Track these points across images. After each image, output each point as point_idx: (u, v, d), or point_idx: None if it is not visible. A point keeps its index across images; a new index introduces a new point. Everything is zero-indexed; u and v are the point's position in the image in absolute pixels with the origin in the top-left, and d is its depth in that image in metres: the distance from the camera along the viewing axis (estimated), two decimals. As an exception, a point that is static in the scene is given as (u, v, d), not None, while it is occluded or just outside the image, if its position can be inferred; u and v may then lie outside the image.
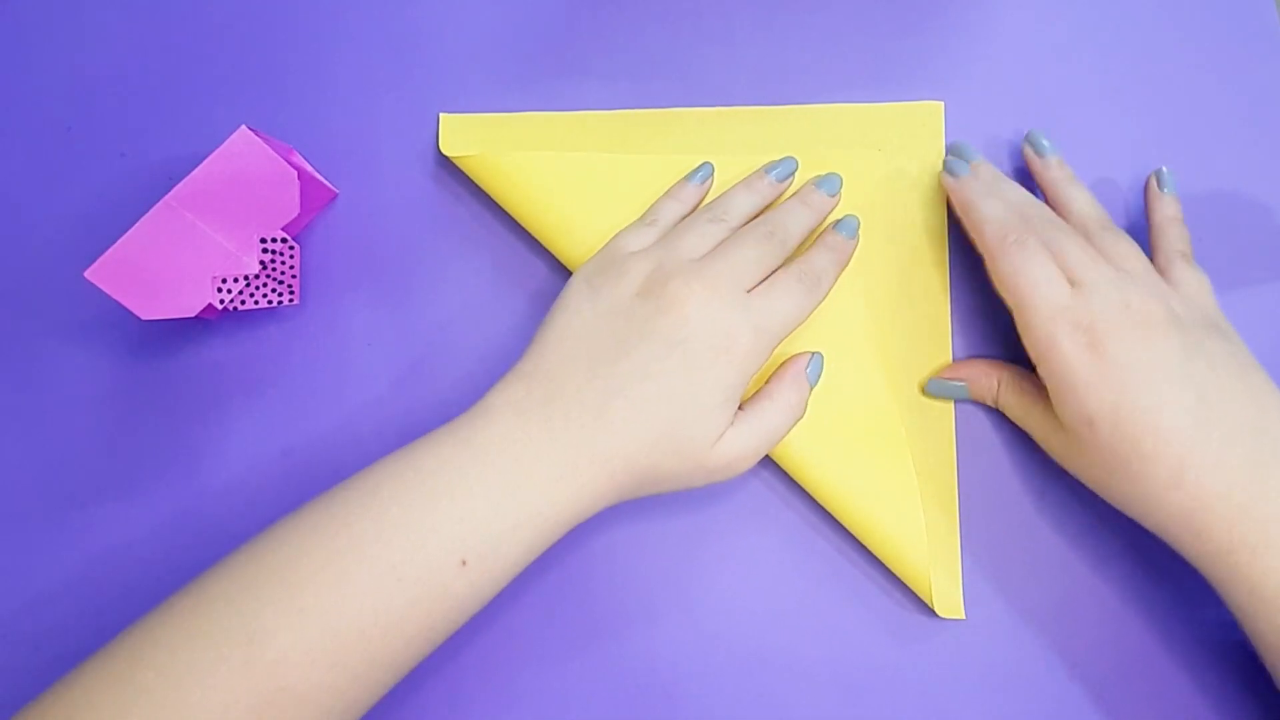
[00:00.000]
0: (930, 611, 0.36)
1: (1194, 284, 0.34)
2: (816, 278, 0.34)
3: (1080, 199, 0.36)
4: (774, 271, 0.34)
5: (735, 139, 0.40)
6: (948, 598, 0.36)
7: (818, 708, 0.35)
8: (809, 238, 0.37)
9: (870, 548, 0.36)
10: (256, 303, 0.36)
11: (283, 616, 0.27)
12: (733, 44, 0.41)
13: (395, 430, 0.37)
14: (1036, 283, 0.32)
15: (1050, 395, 0.32)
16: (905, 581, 0.36)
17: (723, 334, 0.31)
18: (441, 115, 0.40)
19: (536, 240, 0.39)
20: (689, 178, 0.38)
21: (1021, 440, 0.37)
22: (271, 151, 0.35)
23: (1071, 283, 0.32)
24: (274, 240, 0.35)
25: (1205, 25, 0.42)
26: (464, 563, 0.29)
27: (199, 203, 0.34)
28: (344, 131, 0.40)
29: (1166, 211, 0.37)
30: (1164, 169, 0.38)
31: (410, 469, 0.30)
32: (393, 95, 0.41)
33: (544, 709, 0.35)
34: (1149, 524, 0.32)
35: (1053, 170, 0.38)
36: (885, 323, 0.38)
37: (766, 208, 0.37)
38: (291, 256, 0.36)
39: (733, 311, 0.32)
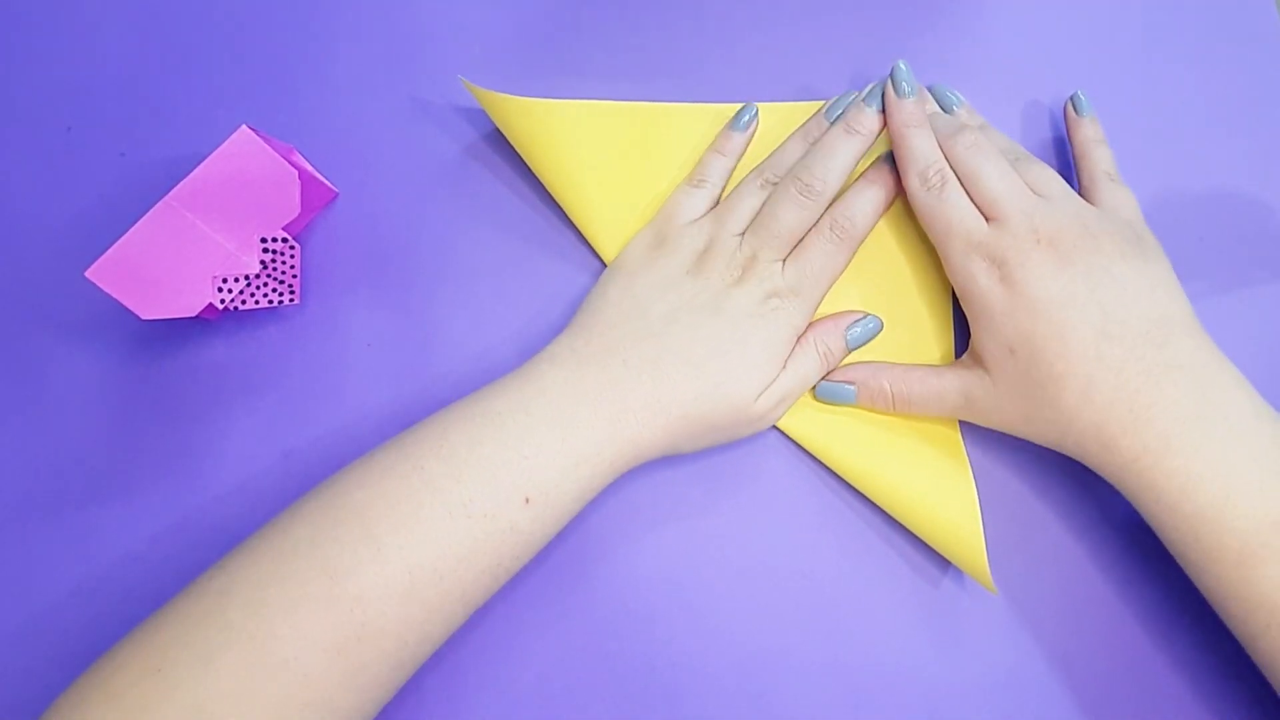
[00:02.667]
0: (928, 612, 0.36)
1: (1119, 202, 0.36)
2: (851, 225, 0.36)
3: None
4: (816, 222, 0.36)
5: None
6: (981, 571, 0.35)
7: (817, 707, 0.35)
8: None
9: (910, 524, 0.36)
10: (257, 303, 0.36)
11: (362, 554, 0.29)
12: (733, 44, 0.41)
13: (395, 430, 0.37)
14: (950, 222, 0.35)
15: (972, 328, 0.35)
16: (951, 559, 0.36)
17: (763, 304, 0.35)
18: (464, 81, 0.39)
19: (537, 240, 0.39)
20: (732, 125, 0.39)
21: (1021, 441, 0.37)
22: (272, 151, 0.35)
23: (987, 217, 0.34)
24: (274, 240, 0.35)
25: (1205, 25, 0.42)
26: (528, 500, 0.31)
27: (199, 202, 0.34)
28: (344, 131, 0.40)
29: (1087, 133, 0.39)
30: (1079, 93, 0.40)
31: (479, 412, 0.32)
32: (393, 95, 0.41)
33: (543, 709, 0.35)
34: (1067, 447, 0.33)
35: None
36: (886, 318, 0.38)
37: None
38: (292, 256, 0.36)
39: (770, 279, 0.35)
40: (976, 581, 0.35)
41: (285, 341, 0.38)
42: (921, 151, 0.36)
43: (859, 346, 0.37)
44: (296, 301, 0.37)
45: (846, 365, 0.37)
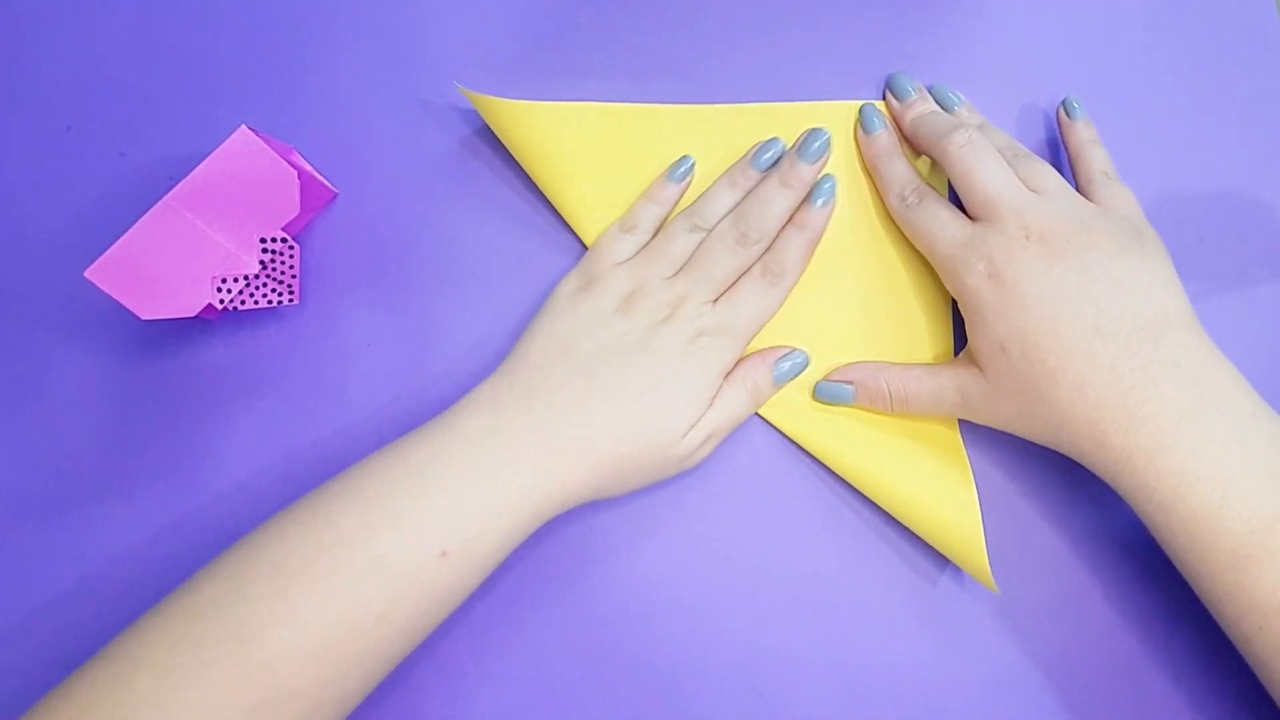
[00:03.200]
0: (927, 611, 0.36)
1: (1118, 198, 0.36)
2: (782, 271, 0.37)
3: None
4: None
5: (738, 135, 0.40)
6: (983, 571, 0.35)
7: (817, 707, 0.35)
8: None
9: (910, 523, 0.36)
10: (256, 303, 0.36)
11: (273, 614, 0.28)
12: (733, 43, 0.41)
13: (395, 430, 0.37)
14: (934, 232, 0.36)
15: (968, 330, 0.35)
16: (953, 558, 0.36)
17: (692, 342, 0.34)
18: (460, 87, 0.39)
19: (536, 239, 0.39)
20: (668, 175, 0.39)
21: (1021, 441, 0.37)
22: (271, 151, 0.35)
23: (980, 216, 0.35)
24: (274, 240, 0.35)
25: (1205, 25, 0.42)
26: (445, 553, 0.30)
27: (199, 202, 0.34)
28: (344, 131, 0.40)
29: (1081, 136, 0.39)
30: (1070, 97, 0.40)
31: (394, 463, 0.31)
32: (393, 95, 0.41)
33: (544, 709, 0.35)
34: (1062, 444, 0.33)
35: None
36: (886, 318, 0.38)
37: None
38: (291, 256, 0.36)
39: (700, 318, 0.35)
40: (977, 581, 0.35)
41: (285, 341, 0.38)
42: (897, 176, 0.38)
43: (786, 382, 0.37)
44: (296, 301, 0.37)
45: (846, 366, 0.37)
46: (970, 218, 0.35)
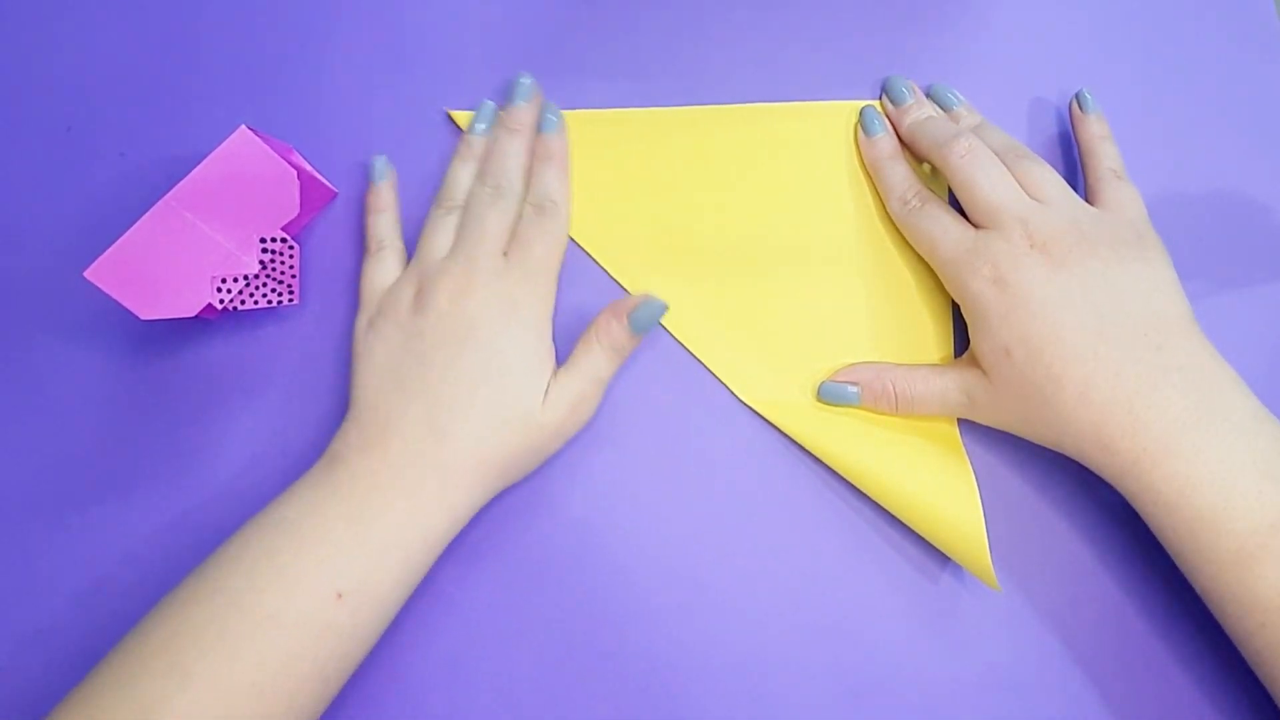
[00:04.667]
0: (929, 610, 0.36)
1: (1123, 199, 0.36)
2: (551, 201, 0.37)
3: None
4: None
5: (736, 136, 0.40)
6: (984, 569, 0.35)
7: (817, 706, 0.35)
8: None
9: (911, 522, 0.36)
10: (256, 302, 0.36)
11: (171, 685, 0.28)
12: (732, 43, 0.41)
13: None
14: (935, 236, 0.36)
15: (970, 333, 0.35)
16: (955, 557, 0.35)
17: (501, 304, 0.34)
18: (449, 111, 0.40)
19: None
20: (374, 180, 0.39)
21: (1021, 439, 0.37)
22: (271, 151, 0.35)
23: (982, 225, 0.35)
24: (274, 240, 0.35)
25: (1205, 25, 0.42)
26: (340, 595, 0.30)
27: (199, 202, 0.34)
28: (344, 131, 0.40)
29: (1093, 130, 0.39)
30: (1084, 91, 0.40)
31: (272, 521, 0.31)
32: (393, 95, 0.41)
33: (543, 709, 0.35)
34: (1066, 447, 0.33)
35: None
36: (888, 318, 0.38)
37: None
38: (291, 256, 0.36)
39: (498, 281, 0.34)
40: (980, 579, 0.35)
41: (285, 341, 0.38)
42: (897, 181, 0.38)
43: (646, 330, 0.35)
44: (296, 301, 0.37)
45: (850, 367, 0.37)
46: (972, 224, 0.35)
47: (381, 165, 0.38)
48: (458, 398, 0.33)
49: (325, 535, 0.31)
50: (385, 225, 0.38)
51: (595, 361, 0.35)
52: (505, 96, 0.39)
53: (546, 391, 0.34)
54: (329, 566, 0.30)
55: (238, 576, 0.30)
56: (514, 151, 0.38)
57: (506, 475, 0.34)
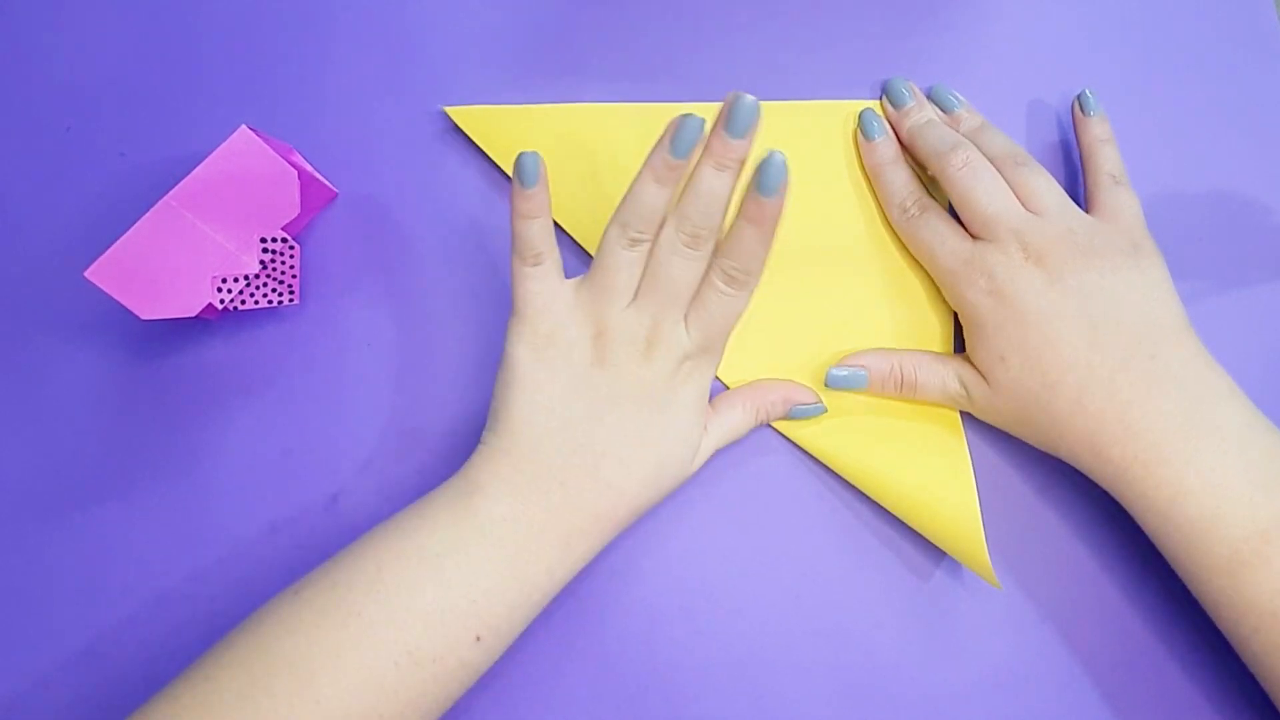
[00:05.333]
0: (929, 610, 0.36)
1: (1120, 206, 0.36)
2: (745, 275, 0.33)
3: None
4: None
5: None
6: (982, 567, 0.35)
7: (817, 706, 0.35)
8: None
9: (909, 519, 0.36)
10: (256, 303, 0.36)
11: (299, 709, 0.28)
12: (732, 43, 0.41)
13: (395, 431, 0.37)
14: (934, 246, 0.36)
15: (966, 342, 0.36)
16: (955, 555, 0.36)
17: (678, 371, 0.33)
18: (446, 109, 0.40)
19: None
20: (521, 184, 0.32)
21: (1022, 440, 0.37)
22: (271, 151, 0.35)
23: (979, 236, 0.35)
24: (274, 240, 0.35)
25: (1205, 25, 0.42)
26: (479, 638, 0.30)
27: (199, 202, 0.34)
28: (344, 131, 0.40)
29: (1094, 133, 0.39)
30: (1087, 91, 0.39)
31: (413, 551, 0.30)
32: (392, 95, 0.41)
33: (543, 709, 0.35)
34: (1062, 453, 0.34)
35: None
36: (888, 318, 0.38)
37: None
38: (291, 256, 0.36)
39: (679, 345, 0.33)
40: (979, 577, 0.36)
41: (285, 341, 0.38)
42: (897, 187, 0.38)
43: (805, 415, 0.37)
44: (296, 301, 0.37)
45: (857, 353, 0.37)
46: (970, 233, 0.36)
47: (533, 165, 0.32)
48: (626, 455, 0.32)
49: (472, 579, 0.30)
50: (541, 233, 0.33)
51: (739, 423, 0.36)
52: (725, 117, 0.31)
53: (698, 451, 0.34)
54: (474, 610, 0.30)
55: (375, 606, 0.29)
56: (721, 194, 0.32)
57: (633, 520, 0.34)
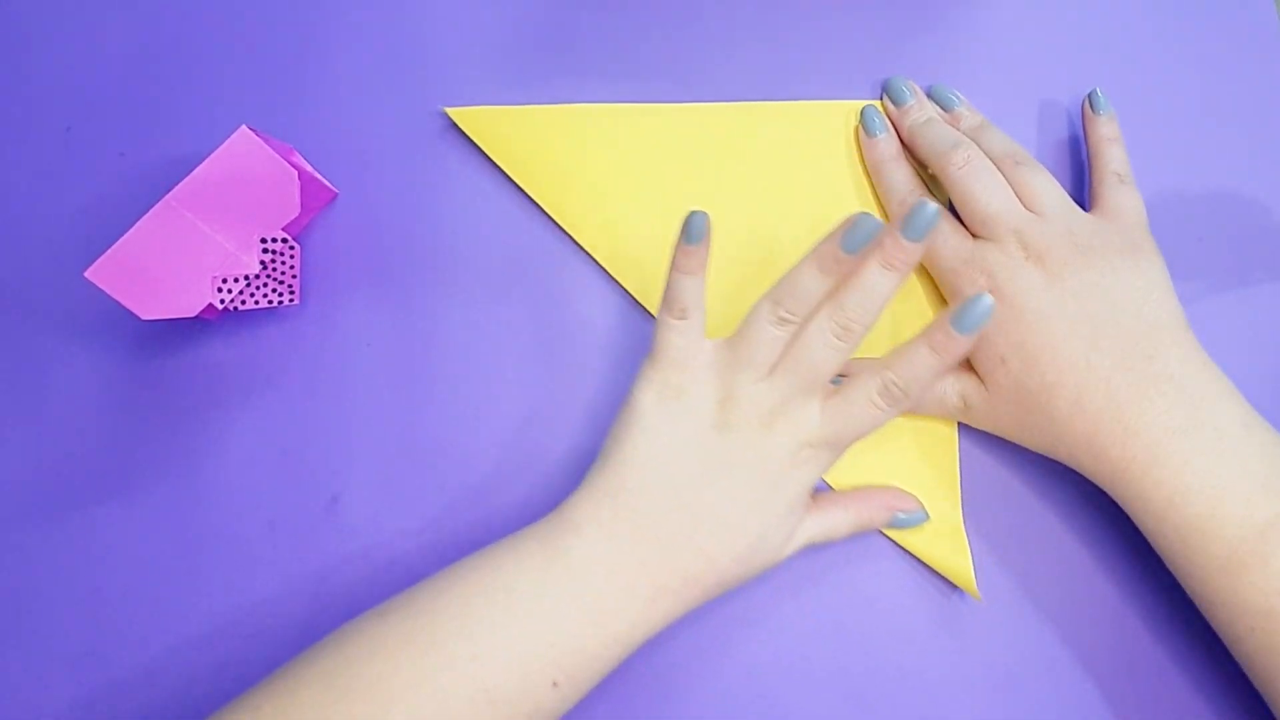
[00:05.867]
0: (928, 610, 0.36)
1: (1123, 205, 0.36)
2: (905, 394, 0.32)
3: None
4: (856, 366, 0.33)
5: (735, 133, 0.40)
6: (965, 579, 0.36)
7: (817, 706, 0.35)
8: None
9: (896, 536, 0.37)
10: (256, 303, 0.36)
11: None
12: (733, 43, 0.41)
13: (396, 431, 0.37)
14: (935, 244, 0.36)
15: None
16: (935, 566, 0.36)
17: (795, 455, 0.32)
18: (446, 109, 0.40)
19: (536, 239, 0.39)
20: (687, 239, 0.32)
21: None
22: (271, 151, 0.35)
23: (979, 236, 0.35)
24: (274, 240, 0.35)
25: (1205, 25, 0.42)
26: (556, 684, 0.30)
27: (199, 202, 0.34)
28: (344, 131, 0.40)
29: (1102, 132, 0.39)
30: (1097, 90, 0.39)
31: (500, 588, 0.30)
32: (393, 95, 0.40)
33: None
34: (1060, 454, 0.34)
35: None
36: (884, 317, 0.38)
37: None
38: (291, 256, 0.36)
39: (804, 429, 0.32)
40: (962, 589, 0.36)
41: (285, 341, 0.38)
42: (899, 184, 0.38)
43: (894, 529, 0.36)
44: (296, 302, 0.37)
45: (850, 361, 0.37)
46: (970, 232, 0.36)
47: (701, 224, 0.32)
48: (726, 524, 0.31)
49: (558, 624, 0.30)
50: (693, 290, 0.33)
51: (837, 527, 0.34)
52: (904, 220, 0.31)
53: (793, 535, 0.33)
54: (554, 655, 0.30)
55: (459, 640, 0.29)
56: (884, 293, 0.31)
57: (719, 592, 0.33)
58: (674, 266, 0.33)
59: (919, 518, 0.36)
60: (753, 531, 0.32)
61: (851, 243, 0.31)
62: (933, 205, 0.31)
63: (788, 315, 0.32)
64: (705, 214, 0.32)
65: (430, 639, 0.29)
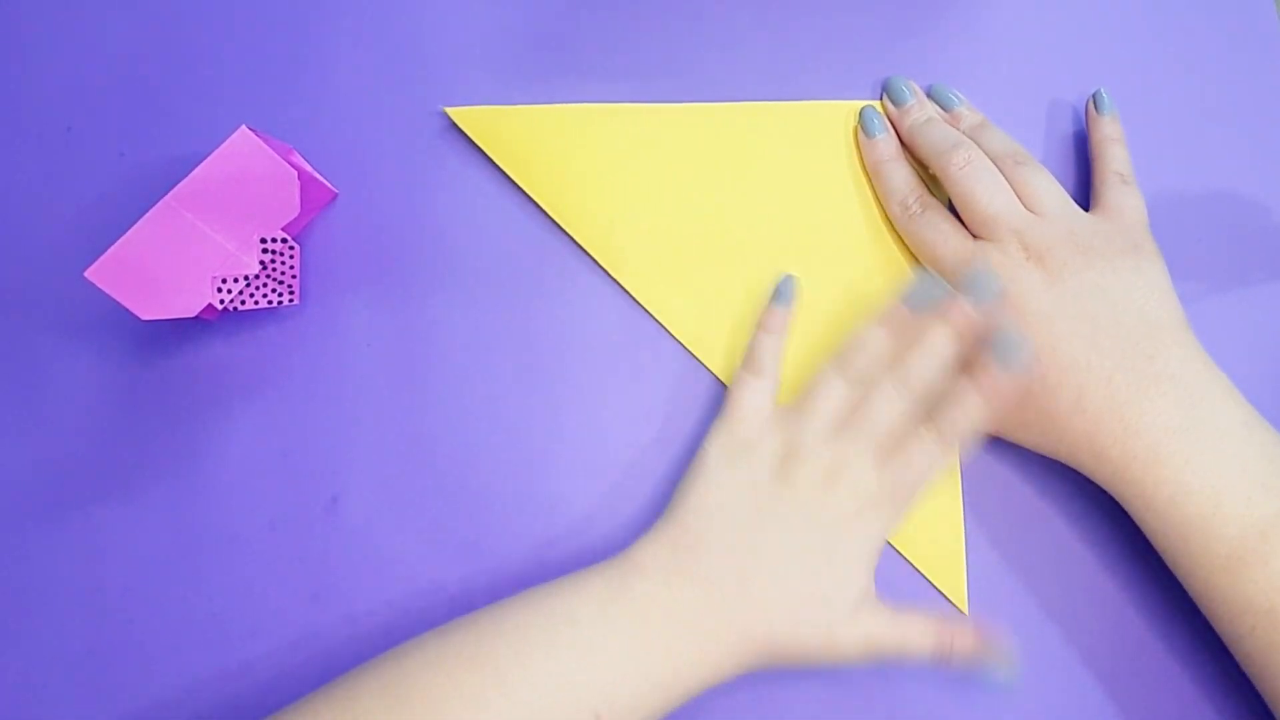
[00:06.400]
0: (931, 608, 0.36)
1: (1124, 206, 0.36)
2: (959, 436, 0.33)
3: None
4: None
5: (735, 133, 0.40)
6: (956, 591, 0.36)
7: (818, 706, 0.35)
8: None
9: (892, 541, 0.37)
10: (256, 303, 0.36)
11: None
12: (733, 43, 0.41)
13: (396, 431, 0.37)
14: (936, 245, 0.36)
15: None
16: (926, 574, 0.36)
17: (855, 509, 0.32)
18: (446, 109, 0.40)
19: (536, 239, 0.39)
20: (776, 301, 0.36)
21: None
22: (271, 151, 0.35)
23: (980, 236, 0.35)
24: (274, 240, 0.35)
25: (1205, 25, 0.42)
26: (598, 716, 0.30)
27: (199, 202, 0.34)
28: (344, 131, 0.40)
29: (1105, 132, 0.39)
30: (1102, 90, 0.39)
31: (562, 618, 0.31)
32: (393, 95, 0.40)
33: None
34: (1061, 454, 0.34)
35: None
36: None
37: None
38: (291, 256, 0.36)
39: (864, 485, 0.33)
40: (952, 601, 0.36)
41: (285, 342, 0.38)
42: (898, 184, 0.38)
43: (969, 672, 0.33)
44: (296, 302, 0.37)
45: None
46: (970, 233, 0.36)
47: (790, 289, 0.36)
48: (779, 570, 0.32)
49: (610, 658, 0.30)
50: (771, 350, 0.36)
51: (910, 638, 0.32)
52: (969, 287, 0.33)
53: (858, 608, 0.32)
54: (601, 685, 0.30)
55: (513, 664, 0.30)
56: (944, 355, 0.33)
57: (776, 662, 0.32)
58: (760, 326, 0.36)
59: (1007, 662, 0.33)
60: (805, 586, 0.32)
61: (915, 301, 0.34)
62: (993, 276, 0.33)
63: (854, 374, 0.34)
64: (795, 278, 0.36)
65: (485, 656, 0.30)
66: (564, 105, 0.40)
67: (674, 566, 0.32)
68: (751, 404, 0.35)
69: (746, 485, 0.33)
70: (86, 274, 0.33)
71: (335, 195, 0.40)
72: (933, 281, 0.34)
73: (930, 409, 0.33)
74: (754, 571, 0.32)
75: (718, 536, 0.32)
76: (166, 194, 0.34)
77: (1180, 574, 0.32)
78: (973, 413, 0.33)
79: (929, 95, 0.40)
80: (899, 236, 0.39)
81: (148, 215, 0.34)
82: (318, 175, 0.39)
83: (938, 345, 0.33)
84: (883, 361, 0.34)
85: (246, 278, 0.35)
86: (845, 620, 0.32)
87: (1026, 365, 0.32)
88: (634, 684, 0.30)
